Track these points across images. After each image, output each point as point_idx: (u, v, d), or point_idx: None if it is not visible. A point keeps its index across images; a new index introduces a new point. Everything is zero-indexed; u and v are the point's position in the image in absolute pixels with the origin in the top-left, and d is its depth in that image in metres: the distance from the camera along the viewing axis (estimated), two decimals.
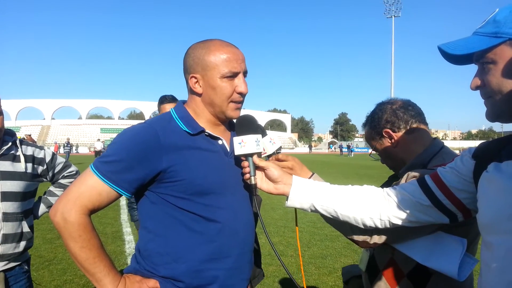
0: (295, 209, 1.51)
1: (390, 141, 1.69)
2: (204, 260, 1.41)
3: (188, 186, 1.39)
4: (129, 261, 5.55)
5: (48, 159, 2.47)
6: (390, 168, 1.81)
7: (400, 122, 1.66)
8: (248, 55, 1.49)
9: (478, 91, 1.11)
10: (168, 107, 3.23)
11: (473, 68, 1.12)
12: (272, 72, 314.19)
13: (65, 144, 34.14)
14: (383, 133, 1.69)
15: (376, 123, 1.72)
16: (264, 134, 1.54)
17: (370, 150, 1.88)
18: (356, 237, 1.50)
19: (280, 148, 1.61)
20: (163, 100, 3.31)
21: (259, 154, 1.46)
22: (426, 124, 1.70)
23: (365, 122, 1.83)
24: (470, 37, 1.08)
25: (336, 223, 1.54)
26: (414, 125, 1.66)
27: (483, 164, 1.12)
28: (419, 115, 1.68)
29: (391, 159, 1.75)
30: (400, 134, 1.66)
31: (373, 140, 1.77)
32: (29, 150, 2.39)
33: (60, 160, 2.57)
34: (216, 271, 1.43)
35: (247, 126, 1.46)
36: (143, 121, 1.58)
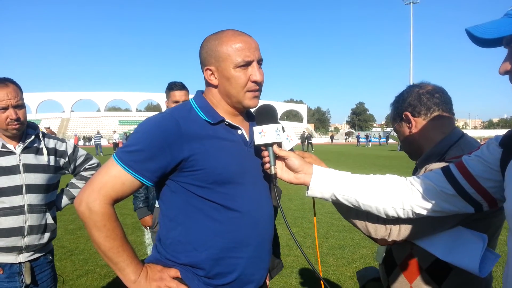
0: (313, 198, 1.51)
1: (407, 125, 1.65)
2: (224, 249, 1.43)
3: (209, 175, 1.39)
4: (149, 251, 5.63)
5: (70, 151, 2.51)
6: (406, 152, 1.78)
7: (421, 107, 1.60)
8: (264, 45, 1.48)
9: (501, 77, 1.06)
10: (178, 94, 3.18)
11: (495, 53, 1.07)
12: (288, 62, 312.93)
13: (95, 136, 34.51)
14: (403, 116, 1.65)
15: (399, 104, 1.68)
16: (282, 131, 1.52)
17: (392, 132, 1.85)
18: (374, 235, 1.48)
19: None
20: (173, 86, 3.21)
21: (279, 144, 1.45)
22: (452, 113, 1.64)
23: (392, 102, 1.78)
24: (501, 19, 1.03)
25: (353, 217, 1.53)
26: (436, 113, 1.60)
27: (510, 152, 1.10)
28: (445, 104, 1.61)
29: (407, 144, 1.71)
30: (419, 119, 1.61)
31: (394, 120, 1.74)
32: (51, 143, 2.43)
33: (82, 152, 2.61)
34: (236, 260, 1.44)
35: (267, 115, 1.46)
36: (159, 112, 1.58)
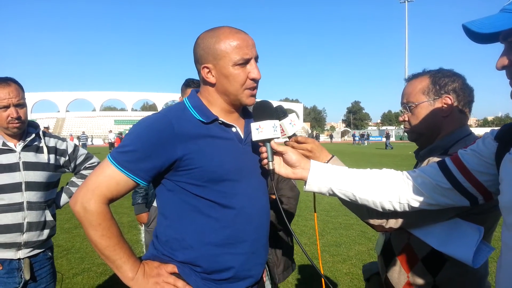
0: (314, 194, 1.52)
1: (442, 107, 1.57)
2: (221, 245, 1.44)
3: (204, 173, 1.41)
4: (145, 249, 5.64)
5: (70, 150, 2.54)
6: (416, 132, 1.66)
7: (462, 98, 1.57)
8: (259, 44, 1.47)
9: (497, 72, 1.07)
10: None
11: (491, 51, 1.09)
12: (283, 61, 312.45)
13: (80, 136, 35.02)
14: (444, 96, 1.57)
15: (443, 83, 1.58)
16: (285, 116, 1.53)
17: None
18: (372, 221, 1.50)
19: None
20: (190, 83, 3.12)
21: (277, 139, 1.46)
22: (470, 113, 1.63)
23: (425, 73, 1.65)
24: (497, 14, 1.02)
25: (353, 206, 1.55)
26: (466, 109, 1.59)
27: (506, 145, 1.12)
28: (472, 102, 1.62)
29: (427, 122, 1.60)
30: (456, 107, 1.57)
31: (423, 93, 1.60)
32: (52, 142, 2.47)
33: (82, 151, 2.63)
34: (233, 256, 1.46)
35: (264, 111, 1.46)
36: (155, 111, 1.60)
